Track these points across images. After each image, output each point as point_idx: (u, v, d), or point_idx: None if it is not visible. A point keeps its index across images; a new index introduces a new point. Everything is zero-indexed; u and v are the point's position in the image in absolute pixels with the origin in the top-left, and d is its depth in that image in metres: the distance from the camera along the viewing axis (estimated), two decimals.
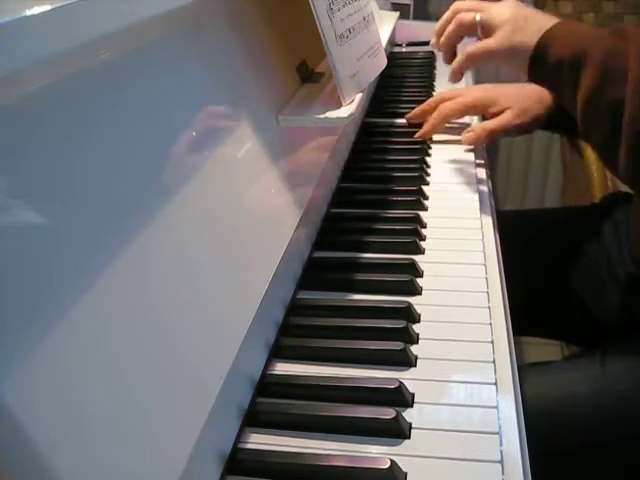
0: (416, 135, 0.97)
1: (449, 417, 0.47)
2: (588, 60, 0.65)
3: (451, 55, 0.84)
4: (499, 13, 0.76)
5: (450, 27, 0.81)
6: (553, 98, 0.87)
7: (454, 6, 0.82)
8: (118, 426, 0.31)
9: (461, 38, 0.82)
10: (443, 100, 0.96)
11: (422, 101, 1.18)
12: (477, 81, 1.33)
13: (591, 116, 0.66)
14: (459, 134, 0.97)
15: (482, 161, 0.93)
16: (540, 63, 0.70)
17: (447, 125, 0.99)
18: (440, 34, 0.84)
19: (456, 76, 0.82)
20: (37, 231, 0.31)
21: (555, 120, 0.89)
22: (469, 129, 0.93)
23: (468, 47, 0.79)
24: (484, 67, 1.34)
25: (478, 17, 0.77)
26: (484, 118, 0.98)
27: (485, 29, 0.77)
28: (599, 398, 0.68)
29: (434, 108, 0.96)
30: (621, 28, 0.69)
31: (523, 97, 0.90)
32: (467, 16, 0.79)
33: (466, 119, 1.02)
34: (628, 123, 0.61)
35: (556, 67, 0.69)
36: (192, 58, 0.51)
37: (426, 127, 0.96)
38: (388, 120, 1.08)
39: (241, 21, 0.61)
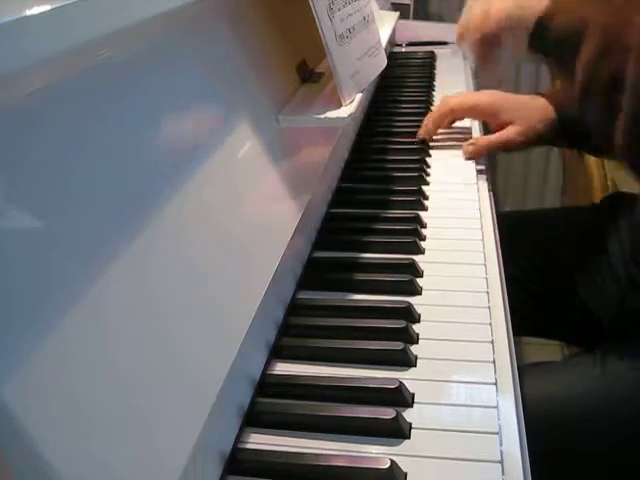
0: (419, 133, 0.97)
1: (449, 417, 0.47)
2: (589, 33, 0.66)
3: (480, 48, 0.83)
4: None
5: (471, 27, 0.81)
6: (556, 114, 0.88)
7: (467, 12, 0.84)
8: (118, 426, 0.31)
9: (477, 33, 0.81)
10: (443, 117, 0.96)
11: (422, 101, 1.19)
12: (478, 87, 1.33)
13: (588, 89, 0.66)
14: (458, 141, 0.97)
15: (482, 161, 0.93)
16: (542, 32, 0.71)
17: (448, 130, 1.00)
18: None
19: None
20: (37, 231, 0.31)
21: (556, 136, 0.89)
22: (470, 141, 0.93)
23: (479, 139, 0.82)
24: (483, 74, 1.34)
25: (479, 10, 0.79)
26: (486, 130, 0.98)
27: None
28: (599, 398, 0.68)
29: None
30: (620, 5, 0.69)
31: (529, 112, 0.90)
32: (477, 12, 0.80)
33: (466, 123, 1.02)
34: (631, 90, 0.61)
35: (558, 37, 0.70)
36: (192, 58, 0.51)
37: (427, 122, 0.96)
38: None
39: (241, 21, 0.61)
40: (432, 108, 1.15)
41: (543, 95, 0.91)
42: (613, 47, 0.64)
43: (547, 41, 0.71)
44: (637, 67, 0.61)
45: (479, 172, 0.89)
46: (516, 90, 1.00)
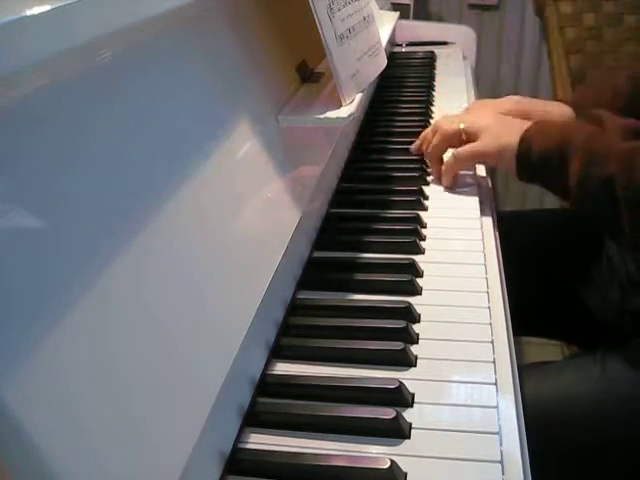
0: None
1: (449, 417, 0.47)
2: (572, 149, 0.69)
3: (438, 164, 0.86)
4: (480, 119, 0.82)
5: (436, 138, 0.85)
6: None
7: (435, 122, 0.88)
8: (118, 426, 0.31)
9: (446, 148, 0.85)
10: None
11: (422, 101, 1.18)
12: (478, 87, 1.33)
13: (585, 196, 0.69)
14: None
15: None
16: (526, 159, 0.74)
17: None
18: (422, 143, 0.90)
19: (450, 180, 0.84)
20: (36, 232, 0.31)
21: None
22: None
23: (456, 150, 0.82)
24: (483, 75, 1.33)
25: (462, 125, 0.82)
26: None
27: (469, 135, 0.81)
28: (599, 398, 0.68)
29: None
30: (595, 115, 0.75)
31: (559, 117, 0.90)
32: (451, 125, 0.83)
33: None
34: (622, 191, 0.64)
35: (542, 160, 0.72)
36: (192, 58, 0.51)
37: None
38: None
39: (241, 21, 0.61)
40: (432, 109, 1.15)
41: (569, 103, 0.90)
42: (597, 155, 0.67)
43: (532, 166, 0.74)
44: (621, 175, 0.64)
45: (479, 172, 0.89)
46: (514, 92, 1.00)
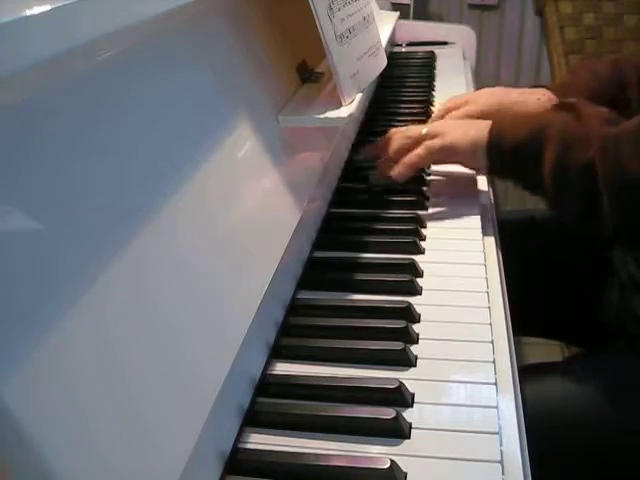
0: None
1: (449, 417, 0.47)
2: (546, 135, 0.67)
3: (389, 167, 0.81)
4: (443, 123, 0.81)
5: (398, 142, 0.80)
6: None
7: (394, 131, 0.83)
8: (118, 426, 0.31)
9: (406, 153, 0.79)
10: (450, 110, 0.94)
11: (422, 101, 1.18)
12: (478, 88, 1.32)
13: (562, 185, 0.67)
14: None
15: None
16: (497, 152, 0.72)
17: None
18: (379, 148, 0.83)
19: (405, 170, 0.78)
20: (37, 232, 0.31)
21: None
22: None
23: (427, 142, 0.78)
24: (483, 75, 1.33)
25: (424, 130, 0.78)
26: None
27: (433, 137, 0.78)
28: (599, 398, 0.68)
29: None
30: (570, 103, 0.72)
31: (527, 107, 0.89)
32: (414, 130, 0.80)
33: None
34: (604, 178, 0.63)
35: (514, 150, 0.71)
36: (192, 58, 0.51)
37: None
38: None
39: (241, 21, 0.61)
40: (432, 109, 1.15)
41: (552, 89, 0.90)
42: (576, 141, 0.66)
43: (504, 158, 0.72)
44: (604, 161, 0.63)
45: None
46: (516, 86, 1.00)
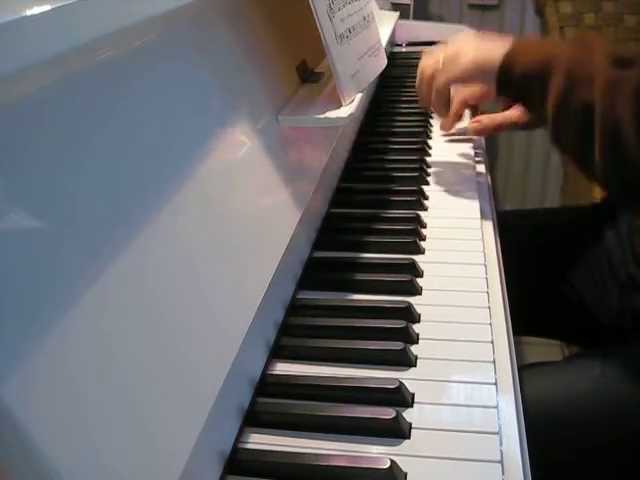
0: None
1: (449, 417, 0.47)
2: (555, 68, 0.67)
3: (444, 108, 0.84)
4: (456, 43, 0.79)
5: (422, 87, 0.83)
6: None
7: (419, 67, 0.85)
8: (118, 426, 0.31)
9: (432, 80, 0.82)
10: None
11: None
12: None
13: (562, 120, 0.67)
14: (458, 141, 0.98)
15: (482, 160, 0.93)
16: (508, 75, 0.72)
17: (448, 132, 1.00)
18: (422, 97, 0.86)
19: (446, 116, 0.86)
20: (37, 231, 0.31)
21: None
22: (477, 118, 0.93)
23: (434, 83, 0.80)
24: None
25: (440, 58, 0.79)
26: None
27: (451, 63, 0.78)
28: (599, 398, 0.68)
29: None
30: (582, 36, 0.73)
31: None
32: (430, 62, 0.81)
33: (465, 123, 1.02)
34: (599, 121, 0.62)
35: (524, 77, 0.70)
36: (192, 58, 0.51)
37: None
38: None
39: (241, 21, 0.61)
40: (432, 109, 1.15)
41: None
42: (581, 78, 0.65)
43: (514, 83, 0.72)
44: (602, 104, 0.62)
45: (479, 172, 0.89)
46: None
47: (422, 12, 1.89)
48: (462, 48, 0.77)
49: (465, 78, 0.78)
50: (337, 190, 0.84)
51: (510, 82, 0.72)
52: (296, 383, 0.51)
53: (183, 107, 0.47)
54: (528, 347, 1.40)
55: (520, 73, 0.71)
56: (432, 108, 0.86)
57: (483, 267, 0.66)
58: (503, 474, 0.42)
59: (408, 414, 0.47)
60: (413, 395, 0.49)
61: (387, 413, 0.46)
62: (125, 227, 0.37)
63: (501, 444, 0.44)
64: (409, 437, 0.45)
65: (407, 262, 0.66)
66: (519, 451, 0.44)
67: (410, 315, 0.58)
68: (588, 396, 0.69)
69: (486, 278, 0.64)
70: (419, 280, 0.64)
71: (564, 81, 0.66)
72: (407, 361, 0.53)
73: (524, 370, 0.69)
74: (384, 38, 0.93)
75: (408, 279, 0.63)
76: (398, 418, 0.45)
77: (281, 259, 0.53)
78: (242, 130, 0.54)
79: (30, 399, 0.27)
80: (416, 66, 1.38)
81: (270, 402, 0.49)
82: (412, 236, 0.71)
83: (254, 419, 0.47)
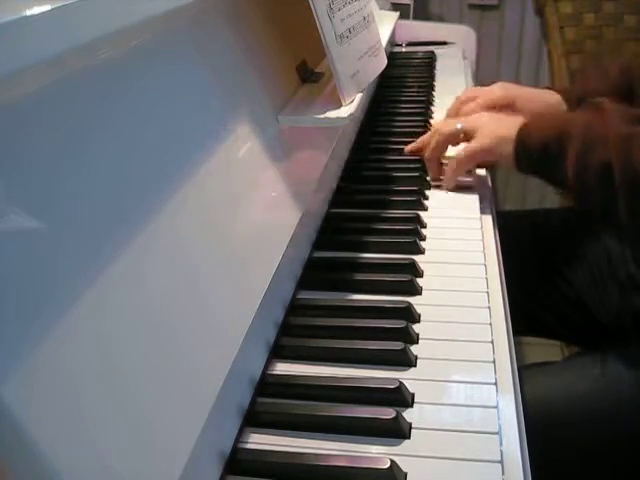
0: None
1: (449, 417, 0.47)
2: (571, 134, 0.69)
3: (437, 166, 0.87)
4: (477, 118, 0.83)
5: (434, 140, 0.85)
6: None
7: (434, 125, 0.90)
8: (118, 426, 0.31)
9: (445, 149, 0.86)
10: (467, 100, 0.94)
11: (422, 101, 1.18)
12: (477, 83, 1.33)
13: (584, 182, 0.69)
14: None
15: None
16: (525, 150, 0.74)
17: None
18: (420, 147, 0.90)
19: (452, 182, 0.85)
20: (37, 231, 0.31)
21: None
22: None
23: (455, 154, 0.83)
24: (483, 75, 1.33)
25: (459, 125, 0.83)
26: None
27: (467, 134, 0.82)
28: (599, 398, 0.68)
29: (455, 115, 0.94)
30: (593, 103, 0.75)
31: (538, 105, 0.90)
32: (449, 126, 0.84)
33: None
34: (619, 176, 0.64)
35: (541, 150, 0.72)
36: (192, 58, 0.51)
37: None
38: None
39: (241, 21, 0.61)
40: (432, 109, 1.15)
41: (558, 91, 0.91)
42: (596, 139, 0.67)
43: (532, 153, 0.74)
44: (619, 160, 0.65)
45: (479, 172, 0.89)
46: None
47: (422, 12, 1.89)
48: (479, 123, 0.80)
49: (484, 153, 0.80)
50: (337, 190, 0.84)
51: (528, 153, 0.74)
52: (296, 383, 0.51)
53: (183, 107, 0.47)
54: (528, 347, 1.40)
55: (537, 143, 0.73)
56: (432, 168, 0.87)
57: (483, 267, 0.66)
58: (503, 474, 0.42)
59: (408, 414, 0.47)
60: (413, 395, 0.49)
61: (387, 413, 0.46)
62: (125, 227, 0.37)
63: (501, 444, 0.44)
64: (409, 437, 0.45)
65: (407, 262, 0.66)
66: (519, 451, 0.44)
67: (410, 315, 0.58)
68: (588, 396, 0.69)
69: (486, 278, 0.64)
70: (419, 280, 0.64)
71: (580, 147, 0.68)
72: (407, 361, 0.53)
73: (524, 370, 0.69)
74: (384, 38, 0.93)
75: (408, 279, 0.63)
76: (398, 418, 0.45)
77: (281, 259, 0.53)
78: (242, 130, 0.54)
79: (30, 399, 0.27)
80: (416, 66, 1.39)
81: (270, 402, 0.49)
82: (412, 236, 0.71)
83: (254, 419, 0.47)
